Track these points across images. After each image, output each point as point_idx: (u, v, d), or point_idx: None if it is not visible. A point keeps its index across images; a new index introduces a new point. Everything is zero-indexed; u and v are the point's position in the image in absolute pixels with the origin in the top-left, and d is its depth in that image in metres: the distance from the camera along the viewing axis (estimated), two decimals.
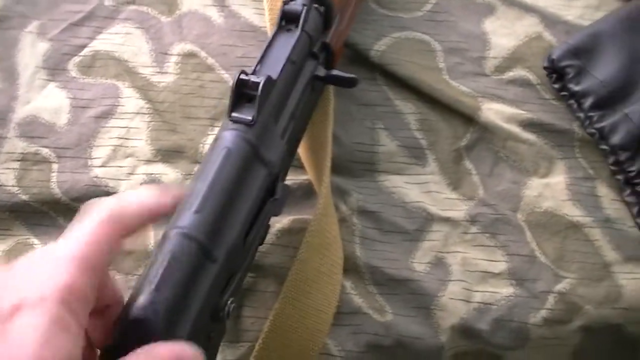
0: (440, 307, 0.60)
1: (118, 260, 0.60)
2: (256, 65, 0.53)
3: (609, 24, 0.72)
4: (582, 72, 0.69)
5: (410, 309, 0.60)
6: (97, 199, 0.42)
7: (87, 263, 0.37)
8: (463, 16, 0.75)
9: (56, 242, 0.39)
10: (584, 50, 0.70)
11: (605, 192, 0.66)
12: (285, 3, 0.57)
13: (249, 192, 0.49)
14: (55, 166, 0.64)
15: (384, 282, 0.61)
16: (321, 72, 0.59)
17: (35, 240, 0.62)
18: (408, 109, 0.69)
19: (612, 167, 0.67)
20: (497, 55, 0.73)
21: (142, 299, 0.41)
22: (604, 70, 0.69)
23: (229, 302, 0.47)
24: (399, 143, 0.67)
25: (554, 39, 0.74)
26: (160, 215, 0.44)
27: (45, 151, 0.65)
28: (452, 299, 0.60)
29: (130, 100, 0.67)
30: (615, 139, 0.66)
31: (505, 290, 0.61)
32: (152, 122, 0.66)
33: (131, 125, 0.66)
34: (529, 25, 0.75)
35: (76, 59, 0.70)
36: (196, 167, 0.64)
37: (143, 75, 0.69)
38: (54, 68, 0.69)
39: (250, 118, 0.49)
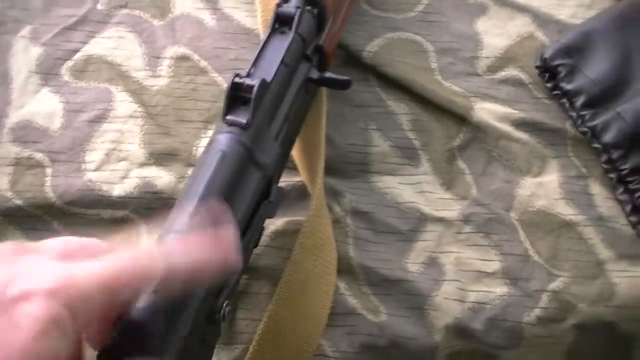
0: (434, 307, 0.60)
1: None
2: (250, 68, 0.53)
3: (601, 22, 0.72)
4: (574, 71, 0.70)
5: (404, 309, 0.60)
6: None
7: (105, 287, 0.37)
8: (455, 16, 0.75)
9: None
10: (576, 49, 0.70)
11: (598, 191, 0.67)
12: (278, 5, 0.57)
13: (244, 194, 0.49)
14: (49, 170, 0.64)
15: (378, 282, 0.61)
16: (315, 74, 0.59)
17: None
18: (401, 109, 0.69)
19: (605, 166, 0.67)
20: (489, 55, 0.73)
21: (141, 301, 0.41)
22: (596, 68, 0.70)
23: (224, 304, 0.47)
24: (392, 144, 0.67)
25: (546, 39, 0.74)
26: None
27: (39, 155, 0.65)
28: (446, 298, 0.60)
29: (124, 104, 0.67)
30: (608, 137, 0.67)
31: (499, 290, 0.61)
32: (146, 126, 0.66)
33: (124, 128, 0.66)
34: (521, 25, 0.75)
35: (69, 64, 0.70)
36: (190, 170, 0.64)
37: (136, 79, 0.69)
38: (47, 73, 0.69)
39: (244, 121, 0.50)
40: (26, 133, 0.66)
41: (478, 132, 0.68)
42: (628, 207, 0.65)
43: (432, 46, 0.73)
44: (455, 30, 0.74)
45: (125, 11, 0.73)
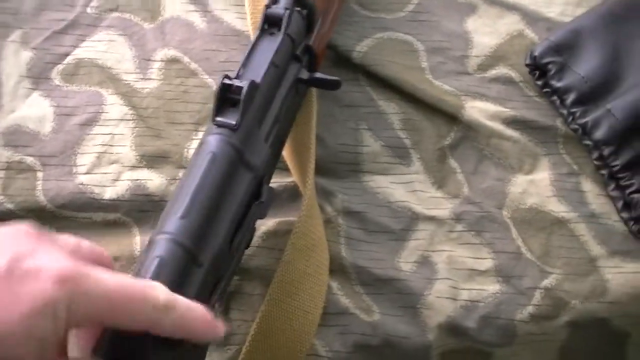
0: (427, 305, 0.60)
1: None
2: (239, 70, 0.54)
3: (590, 20, 0.72)
4: (564, 68, 0.70)
5: (397, 308, 0.60)
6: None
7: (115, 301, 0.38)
8: (445, 16, 0.75)
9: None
10: (566, 47, 0.71)
11: (589, 188, 0.67)
12: (267, 7, 0.57)
13: (234, 196, 0.49)
14: (40, 174, 0.64)
15: (371, 282, 0.61)
16: (304, 74, 0.59)
17: None
18: (391, 109, 0.69)
19: (596, 162, 0.67)
20: (479, 54, 0.73)
21: None
22: (586, 66, 0.70)
23: (216, 305, 0.47)
24: (383, 143, 0.67)
25: (536, 36, 0.74)
26: None
27: (30, 159, 0.65)
28: (438, 297, 0.60)
29: (114, 107, 0.67)
30: (598, 134, 0.67)
31: (491, 288, 0.61)
32: (137, 128, 0.66)
33: (115, 131, 0.66)
34: (510, 23, 0.75)
35: (60, 67, 0.70)
36: (181, 172, 0.64)
37: (127, 82, 0.69)
38: (38, 77, 0.69)
39: (234, 122, 0.50)
40: (17, 137, 0.66)
41: (469, 131, 0.68)
42: (619, 204, 0.65)
43: (423, 45, 0.73)
44: (446, 30, 0.74)
45: (115, 14, 0.73)
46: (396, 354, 0.59)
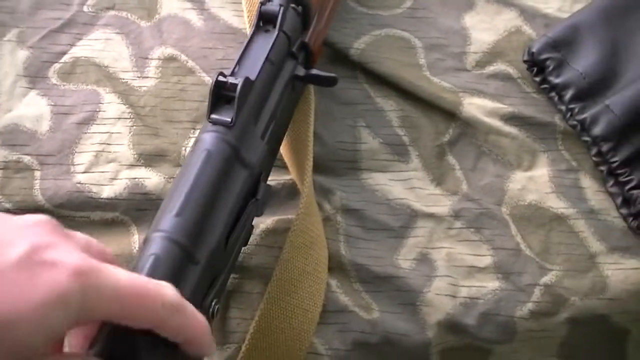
0: (427, 303, 0.60)
1: None
2: (234, 67, 0.53)
3: (588, 15, 0.72)
4: (562, 64, 0.70)
5: (396, 305, 0.60)
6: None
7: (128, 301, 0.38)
8: (442, 12, 0.75)
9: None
10: (563, 43, 0.70)
11: (588, 184, 0.67)
12: (262, 4, 0.57)
13: (230, 193, 0.49)
14: (37, 173, 0.64)
15: (370, 279, 0.60)
16: (301, 71, 0.59)
17: None
18: (389, 106, 0.69)
19: (595, 159, 0.67)
20: (477, 50, 0.73)
21: None
22: (584, 62, 0.70)
23: (213, 303, 0.47)
24: (381, 140, 0.67)
25: (534, 33, 0.74)
26: None
27: (27, 159, 0.64)
28: (438, 294, 0.60)
29: (112, 105, 0.67)
30: (597, 130, 0.67)
31: (491, 284, 0.61)
32: (134, 127, 0.66)
33: (113, 130, 0.66)
34: (508, 20, 0.75)
35: (56, 66, 0.70)
36: (179, 171, 0.63)
37: (124, 81, 0.69)
38: (35, 76, 0.69)
39: (229, 119, 0.50)
40: (14, 137, 0.65)
41: (467, 128, 0.68)
42: (619, 200, 0.65)
43: (420, 42, 0.73)
44: (443, 26, 0.74)
45: (112, 13, 0.73)
46: (396, 351, 0.59)
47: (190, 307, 0.41)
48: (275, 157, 0.58)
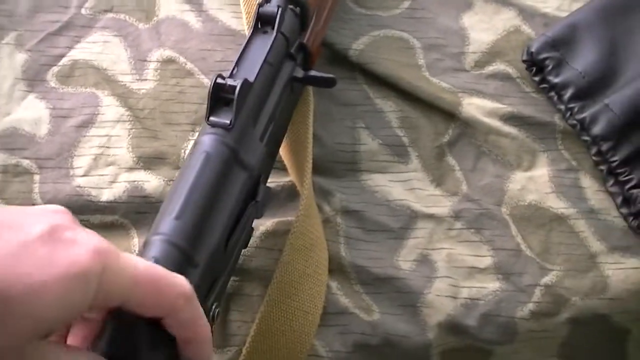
0: (427, 304, 0.60)
1: None
2: (233, 69, 0.53)
3: (586, 14, 0.72)
4: (561, 63, 0.70)
5: (396, 307, 0.60)
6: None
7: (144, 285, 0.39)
8: (441, 12, 0.75)
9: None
10: (562, 42, 0.70)
11: (588, 183, 0.67)
12: (260, 5, 0.57)
13: (229, 196, 0.49)
14: (37, 177, 0.64)
15: (370, 281, 0.60)
16: (299, 73, 0.59)
17: None
18: (388, 107, 0.69)
19: (595, 158, 0.67)
20: (476, 50, 0.73)
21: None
22: (583, 61, 0.70)
23: (213, 306, 0.47)
24: (381, 141, 0.67)
25: (532, 32, 0.74)
26: None
27: (26, 162, 0.64)
28: (438, 295, 0.60)
29: (110, 108, 0.67)
30: (597, 129, 0.67)
31: (491, 285, 0.61)
32: (133, 130, 0.66)
33: (112, 133, 0.66)
34: (507, 19, 0.75)
35: (55, 69, 0.69)
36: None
37: (122, 83, 0.69)
38: (33, 79, 0.69)
39: (228, 122, 0.49)
40: (13, 140, 0.65)
41: (467, 128, 0.68)
42: (619, 199, 0.65)
43: (419, 43, 0.73)
44: (442, 26, 0.74)
45: (110, 15, 0.73)
46: (396, 353, 0.59)
47: (199, 304, 0.41)
48: (275, 159, 0.58)
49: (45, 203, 0.62)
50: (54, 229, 0.36)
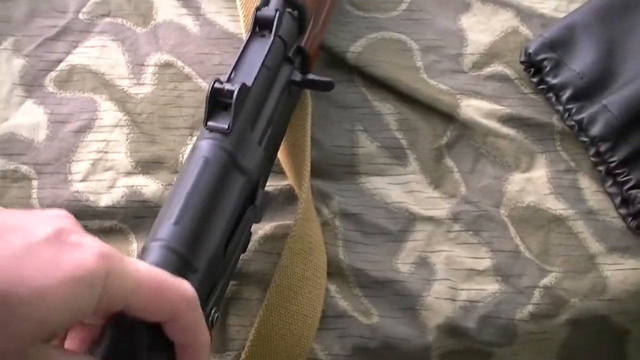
0: (426, 307, 0.60)
1: None
2: (231, 73, 0.53)
3: (584, 15, 0.72)
4: (559, 64, 0.70)
5: (395, 310, 0.60)
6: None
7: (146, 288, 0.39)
8: (439, 14, 0.75)
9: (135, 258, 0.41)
10: (560, 43, 0.70)
11: (587, 184, 0.66)
12: (258, 9, 0.57)
13: (228, 200, 0.49)
14: (35, 183, 0.64)
15: (369, 284, 0.60)
16: (297, 76, 0.59)
17: None
18: (387, 109, 0.69)
19: (593, 159, 0.67)
20: (474, 52, 0.73)
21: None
22: (581, 61, 0.69)
23: (212, 311, 0.47)
24: (379, 144, 0.67)
25: (530, 33, 0.74)
26: None
27: (24, 168, 0.64)
28: (437, 298, 0.60)
29: (109, 113, 0.67)
30: (595, 130, 0.67)
31: (490, 287, 0.61)
32: (131, 134, 0.66)
33: (110, 138, 0.66)
34: (504, 20, 0.75)
35: (53, 74, 0.69)
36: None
37: (120, 88, 0.69)
38: (31, 84, 0.69)
39: (226, 126, 0.49)
40: (11, 146, 0.65)
41: (465, 130, 0.68)
42: (617, 200, 0.65)
43: (417, 44, 0.73)
44: (440, 28, 0.74)
45: (107, 20, 0.73)
46: (395, 356, 0.59)
47: (200, 310, 0.42)
48: (273, 163, 0.58)
49: (44, 208, 0.62)
50: (60, 232, 0.37)
